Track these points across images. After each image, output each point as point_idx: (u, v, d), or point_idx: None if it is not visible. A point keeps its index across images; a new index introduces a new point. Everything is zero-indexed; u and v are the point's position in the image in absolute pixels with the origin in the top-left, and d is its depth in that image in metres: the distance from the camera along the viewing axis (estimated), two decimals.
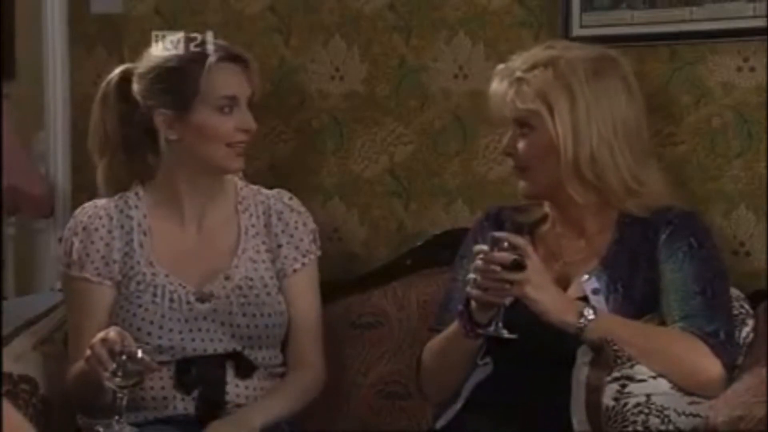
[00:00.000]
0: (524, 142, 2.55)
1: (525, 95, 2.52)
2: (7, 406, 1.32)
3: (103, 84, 2.82)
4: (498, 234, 2.41)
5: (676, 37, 2.82)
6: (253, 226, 2.80)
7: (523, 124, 2.54)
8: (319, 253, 2.84)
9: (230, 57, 2.73)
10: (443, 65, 3.08)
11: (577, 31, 2.90)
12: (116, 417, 2.51)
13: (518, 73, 2.53)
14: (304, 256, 2.81)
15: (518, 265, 2.35)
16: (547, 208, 2.64)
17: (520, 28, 2.98)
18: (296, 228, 2.82)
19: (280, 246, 2.80)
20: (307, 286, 2.82)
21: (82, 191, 2.98)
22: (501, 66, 2.60)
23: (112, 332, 2.53)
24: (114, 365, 2.48)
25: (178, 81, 2.71)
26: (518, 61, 2.56)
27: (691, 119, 2.82)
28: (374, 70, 3.16)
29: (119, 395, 2.50)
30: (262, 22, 3.28)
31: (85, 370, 2.58)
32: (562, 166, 2.51)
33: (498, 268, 2.36)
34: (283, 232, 2.81)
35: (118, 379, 2.49)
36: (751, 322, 2.55)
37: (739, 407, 2.27)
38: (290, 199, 2.85)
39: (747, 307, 2.58)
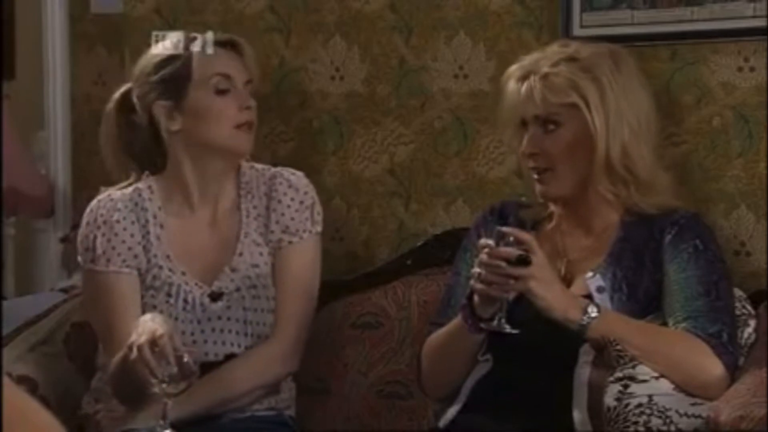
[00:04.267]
0: (551, 139, 2.52)
1: (558, 89, 2.50)
2: (36, 406, 1.30)
3: (107, 107, 2.81)
4: (504, 228, 2.40)
5: (677, 37, 2.82)
6: (255, 207, 2.76)
7: (550, 121, 2.52)
8: (316, 229, 2.78)
9: (221, 43, 2.74)
10: (443, 65, 3.07)
11: (577, 31, 2.89)
12: (160, 422, 2.36)
13: (545, 69, 2.50)
14: (294, 234, 2.75)
15: (523, 261, 2.34)
16: (552, 206, 2.64)
17: (520, 28, 2.98)
18: (288, 206, 2.76)
19: (272, 231, 2.75)
20: (294, 260, 2.75)
21: (82, 191, 2.98)
22: (515, 66, 2.57)
23: (160, 331, 2.42)
24: (163, 371, 2.35)
25: (171, 69, 2.71)
26: (537, 60, 2.54)
27: (691, 119, 2.82)
28: (374, 70, 3.15)
29: (165, 400, 2.35)
30: (262, 22, 3.27)
31: (126, 368, 2.50)
32: (596, 161, 2.50)
33: (503, 263, 2.35)
34: (275, 210, 2.75)
35: (165, 385, 2.35)
36: (752, 323, 2.55)
37: (740, 407, 2.27)
38: (292, 174, 2.80)
39: (749, 308, 2.57)
